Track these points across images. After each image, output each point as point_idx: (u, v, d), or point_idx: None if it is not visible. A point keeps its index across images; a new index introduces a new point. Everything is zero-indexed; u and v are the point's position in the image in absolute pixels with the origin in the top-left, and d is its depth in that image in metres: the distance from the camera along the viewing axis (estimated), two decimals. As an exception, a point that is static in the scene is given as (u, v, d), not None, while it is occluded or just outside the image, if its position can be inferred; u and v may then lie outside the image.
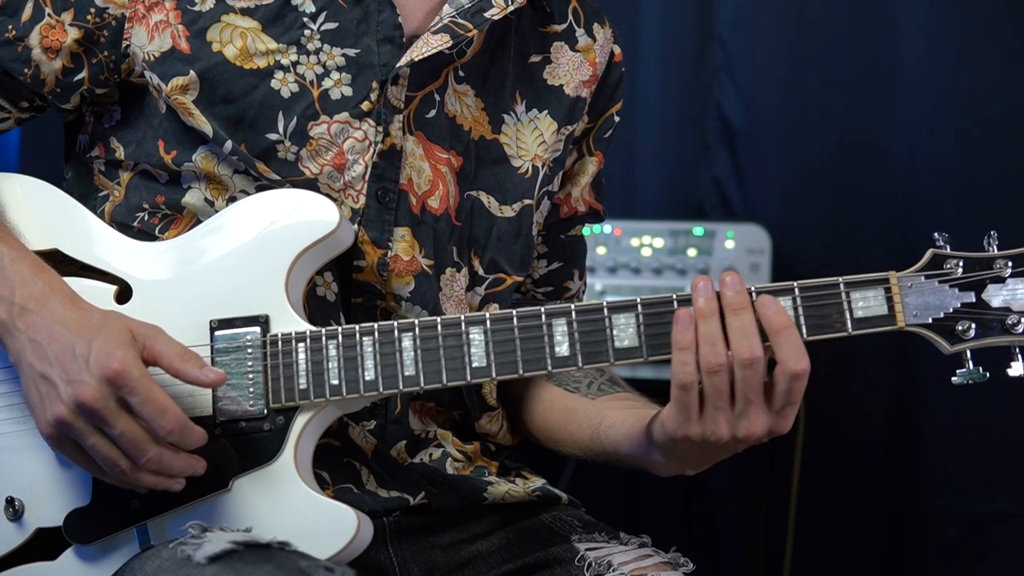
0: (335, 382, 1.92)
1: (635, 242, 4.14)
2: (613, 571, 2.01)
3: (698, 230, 4.13)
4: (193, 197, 2.05)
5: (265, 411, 1.93)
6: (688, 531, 4.39)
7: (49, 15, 2.05)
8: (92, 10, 2.05)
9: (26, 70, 2.07)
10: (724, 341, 1.83)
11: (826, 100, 4.35)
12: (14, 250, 1.96)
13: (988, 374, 1.86)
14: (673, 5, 4.49)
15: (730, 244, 4.09)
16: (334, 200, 2.00)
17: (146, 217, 2.08)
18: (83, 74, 2.07)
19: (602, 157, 2.35)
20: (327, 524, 1.89)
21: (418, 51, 2.05)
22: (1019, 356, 1.85)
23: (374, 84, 2.05)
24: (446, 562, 2.11)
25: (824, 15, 4.38)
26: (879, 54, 4.29)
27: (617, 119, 2.35)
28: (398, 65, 2.05)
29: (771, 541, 4.25)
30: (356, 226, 2.05)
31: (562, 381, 2.24)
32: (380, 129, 2.05)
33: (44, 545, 1.96)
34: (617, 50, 2.33)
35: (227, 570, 1.76)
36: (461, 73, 2.13)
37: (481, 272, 2.17)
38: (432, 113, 2.11)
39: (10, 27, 2.06)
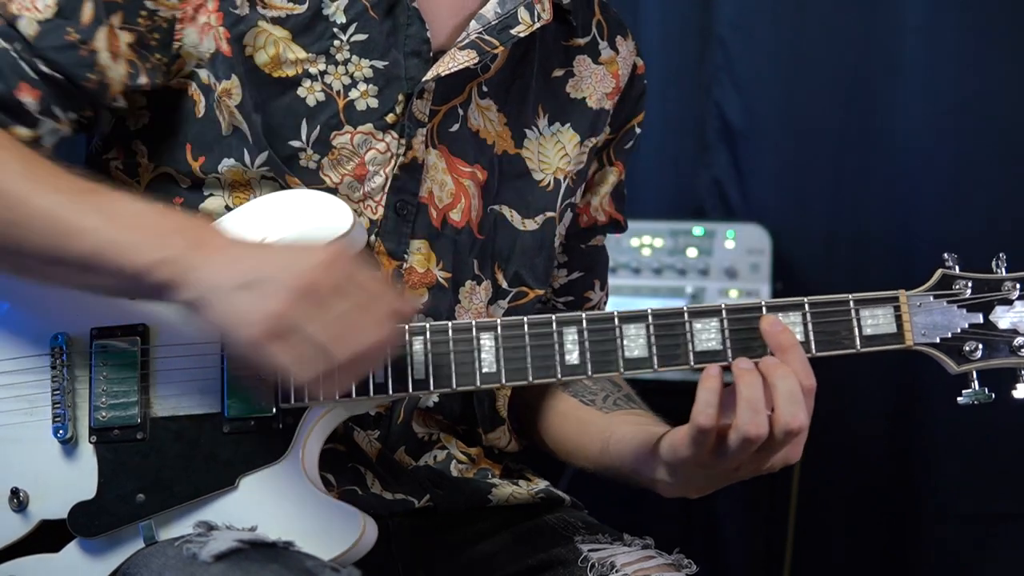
0: (345, 383, 1.93)
1: (635, 242, 4.15)
2: (616, 572, 2.02)
3: (698, 230, 4.14)
4: (213, 204, 2.02)
5: (274, 410, 1.92)
6: (690, 533, 4.40)
7: (105, 17, 1.95)
8: (143, 12, 1.96)
9: (90, 75, 1.93)
10: (765, 403, 1.82)
11: (826, 100, 4.36)
12: (139, 201, 1.88)
13: (993, 395, 1.87)
14: (673, 5, 4.50)
15: (730, 244, 4.09)
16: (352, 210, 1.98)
17: (161, 218, 2.06)
18: (144, 79, 1.98)
19: (622, 168, 2.34)
20: (332, 525, 1.90)
21: (444, 66, 2.04)
22: (1025, 378, 1.87)
23: (400, 97, 2.04)
24: (450, 563, 2.12)
25: (824, 15, 4.38)
26: (879, 54, 4.30)
27: (639, 131, 2.35)
28: (424, 79, 2.03)
29: (772, 543, 4.26)
30: (373, 237, 2.04)
31: (578, 392, 2.24)
32: (403, 142, 2.04)
33: (48, 537, 1.96)
34: (640, 62, 2.33)
35: (233, 569, 1.77)
36: (484, 88, 2.13)
37: (505, 285, 2.17)
38: (456, 127, 2.10)
39: (70, 30, 1.92)
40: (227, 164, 2.01)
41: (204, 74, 2.01)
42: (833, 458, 4.22)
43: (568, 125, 2.22)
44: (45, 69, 1.91)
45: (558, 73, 2.22)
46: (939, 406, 4.12)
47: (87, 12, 1.93)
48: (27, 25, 1.91)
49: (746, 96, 4.41)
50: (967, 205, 4.14)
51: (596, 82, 2.25)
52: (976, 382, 1.87)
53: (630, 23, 2.36)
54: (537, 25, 2.12)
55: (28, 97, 1.91)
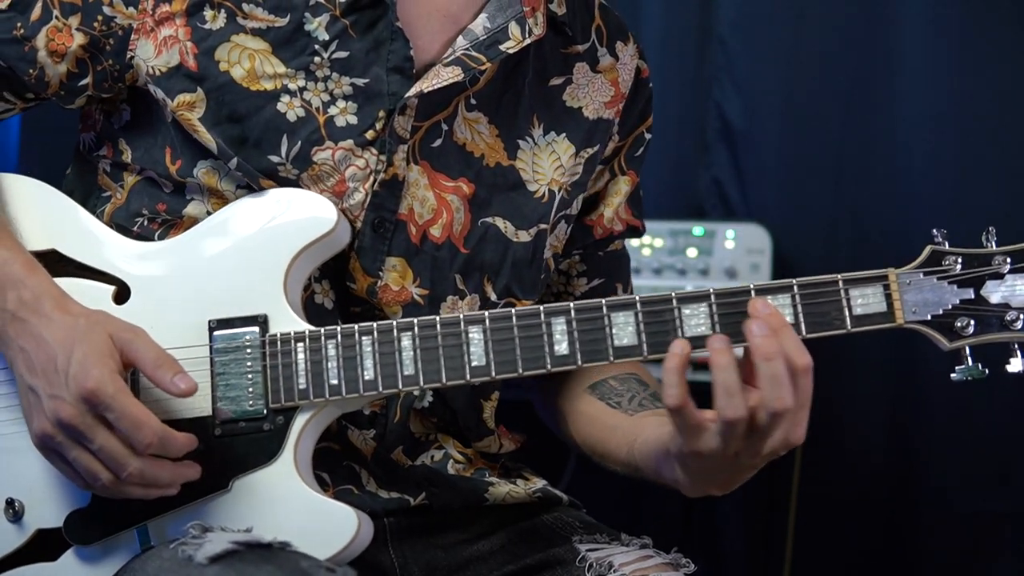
0: (334, 382, 1.92)
1: (635, 242, 4.12)
2: (614, 572, 2.01)
3: (698, 230, 4.13)
4: (195, 209, 2.04)
5: (265, 411, 1.93)
6: (689, 532, 4.38)
7: (57, 17, 2.04)
8: (100, 17, 2.04)
9: (31, 70, 2.06)
10: (741, 385, 1.78)
11: (826, 100, 4.34)
12: (7, 250, 1.97)
13: (987, 371, 1.85)
14: (673, 5, 4.49)
15: (730, 244, 4.08)
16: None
17: (145, 223, 2.07)
18: (88, 80, 2.07)
19: (635, 176, 2.32)
20: (327, 524, 1.90)
21: (428, 83, 2.03)
22: (1018, 352, 1.84)
23: (380, 113, 2.04)
24: (447, 563, 2.11)
25: (824, 15, 4.37)
26: (879, 54, 4.28)
27: (648, 136, 2.32)
28: (406, 96, 2.03)
29: (771, 541, 4.24)
30: (350, 252, 2.04)
31: (605, 395, 2.22)
32: (383, 158, 2.03)
33: (44, 546, 1.97)
34: (644, 66, 2.30)
35: (228, 570, 1.77)
36: (473, 101, 2.11)
37: (494, 298, 2.14)
38: (438, 142, 2.08)
39: (19, 25, 2.05)
40: (202, 168, 2.03)
41: (154, 90, 2.04)
42: (833, 458, 4.20)
43: (564, 135, 2.19)
44: None
45: (557, 81, 2.20)
46: (939, 406, 4.10)
47: (36, 11, 2.06)
48: None
49: (746, 96, 4.40)
50: (967, 205, 4.12)
51: (593, 91, 2.22)
52: (969, 358, 1.86)
53: (630, 24, 2.34)
54: (528, 41, 2.10)
55: None
